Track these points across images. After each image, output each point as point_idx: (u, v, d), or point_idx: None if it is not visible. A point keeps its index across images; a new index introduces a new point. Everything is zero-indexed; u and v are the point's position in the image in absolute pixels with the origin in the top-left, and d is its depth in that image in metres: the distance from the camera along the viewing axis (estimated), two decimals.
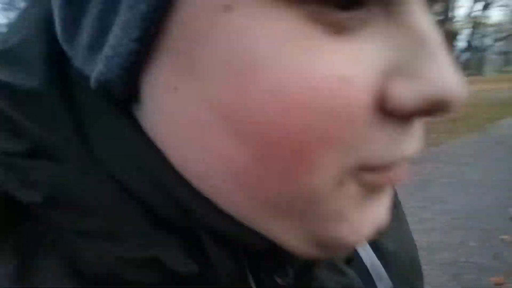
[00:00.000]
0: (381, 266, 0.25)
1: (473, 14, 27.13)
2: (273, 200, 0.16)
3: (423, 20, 0.15)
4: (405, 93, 0.15)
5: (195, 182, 0.17)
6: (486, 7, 27.33)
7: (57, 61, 0.18)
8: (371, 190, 0.17)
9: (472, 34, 27.79)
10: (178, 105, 0.16)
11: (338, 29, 0.14)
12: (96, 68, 0.17)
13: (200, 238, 0.17)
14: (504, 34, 31.51)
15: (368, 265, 0.25)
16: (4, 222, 0.17)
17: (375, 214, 0.18)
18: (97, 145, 0.17)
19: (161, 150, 0.17)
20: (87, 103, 0.18)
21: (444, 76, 0.15)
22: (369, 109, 0.15)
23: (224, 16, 0.14)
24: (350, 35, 0.14)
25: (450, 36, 20.87)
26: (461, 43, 27.56)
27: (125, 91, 0.17)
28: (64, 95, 0.17)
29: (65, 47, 0.18)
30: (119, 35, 0.15)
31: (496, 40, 33.38)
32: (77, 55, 0.18)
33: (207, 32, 0.15)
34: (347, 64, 0.14)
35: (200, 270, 0.17)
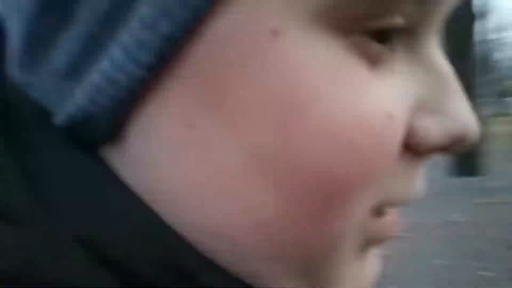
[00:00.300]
0: None
1: None
2: (288, 252, 0.14)
3: (442, 60, 0.15)
4: (432, 129, 0.15)
5: (198, 239, 0.14)
6: None
7: None
8: (371, 242, 0.16)
9: None
10: (189, 145, 0.13)
11: (376, 63, 0.13)
12: (71, 100, 0.14)
13: None
14: None
15: None
16: None
17: (370, 270, 0.17)
18: (59, 199, 0.13)
19: (145, 200, 0.14)
20: (39, 144, 0.14)
21: (466, 113, 0.15)
22: (400, 145, 0.14)
23: (270, 43, 0.12)
24: (383, 70, 0.14)
25: None
26: None
27: (107, 129, 0.14)
28: (4, 132, 0.14)
29: (15, 70, 0.15)
30: (120, 59, 0.12)
31: None
32: (38, 82, 0.14)
33: (247, 60, 0.12)
34: (390, 99, 0.14)
35: None
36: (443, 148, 0.15)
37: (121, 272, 0.13)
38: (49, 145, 0.14)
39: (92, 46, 0.13)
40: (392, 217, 0.16)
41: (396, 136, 0.14)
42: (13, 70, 0.15)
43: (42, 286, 0.12)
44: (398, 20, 0.13)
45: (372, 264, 0.17)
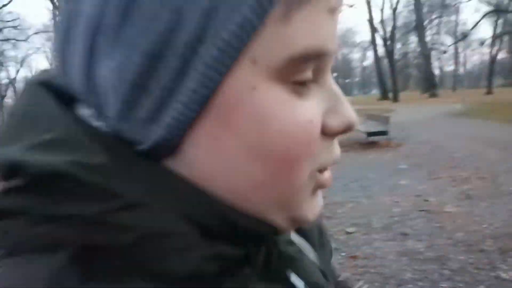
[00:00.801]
0: (302, 239, 0.38)
1: None
2: (275, 199, 0.26)
3: (335, 85, 0.27)
4: (335, 123, 0.26)
5: (229, 197, 0.25)
6: None
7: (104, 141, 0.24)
8: (318, 187, 0.28)
9: None
10: (219, 148, 0.24)
11: (301, 95, 0.24)
12: (154, 134, 0.23)
13: (235, 235, 0.25)
14: None
15: (296, 241, 0.37)
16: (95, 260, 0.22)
17: (319, 203, 0.29)
18: (159, 193, 0.23)
19: (198, 183, 0.24)
20: (138, 164, 0.24)
21: (351, 113, 0.27)
22: (319, 134, 0.25)
23: (251, 93, 0.23)
24: (305, 97, 0.25)
25: None
26: None
27: (174, 147, 0.24)
28: (126, 165, 0.23)
29: (110, 121, 0.24)
30: (181, 110, 0.22)
31: None
32: (131, 128, 0.24)
33: (240, 103, 0.23)
34: (310, 112, 0.25)
35: (240, 254, 0.26)
36: (342, 132, 0.27)
37: (203, 228, 0.24)
38: (142, 162, 0.24)
39: (160, 105, 0.22)
40: (328, 172, 0.28)
41: (316, 131, 0.25)
42: (107, 121, 0.24)
43: (159, 237, 0.22)
44: (308, 74, 0.24)
45: (319, 200, 0.29)
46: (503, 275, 2.42)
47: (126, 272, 0.22)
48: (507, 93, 24.60)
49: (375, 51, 34.06)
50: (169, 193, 0.23)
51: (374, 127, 8.38)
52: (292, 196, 0.26)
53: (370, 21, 32.10)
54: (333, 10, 0.24)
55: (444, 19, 46.23)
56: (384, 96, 32.21)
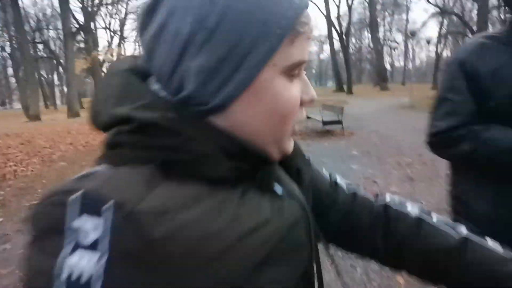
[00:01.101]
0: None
1: (112, 46, 31.83)
2: (275, 137, 0.44)
3: (304, 75, 0.45)
4: (306, 97, 0.44)
5: (248, 137, 0.42)
6: (121, 41, 33.06)
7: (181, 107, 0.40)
8: (292, 134, 0.46)
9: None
10: (252, 110, 0.41)
11: (292, 82, 0.42)
12: (215, 101, 0.40)
13: (247, 159, 0.42)
14: None
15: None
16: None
17: (292, 143, 0.48)
18: (205, 134, 0.40)
19: (228, 128, 0.41)
20: (193, 117, 0.40)
21: (313, 92, 0.45)
22: (299, 104, 0.44)
23: (272, 81, 0.40)
24: (294, 83, 0.42)
25: (96, 65, 25.21)
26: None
27: (223, 109, 0.41)
28: (187, 118, 0.40)
29: (190, 94, 0.40)
30: (233, 90, 0.39)
31: None
32: (201, 96, 0.40)
33: (266, 86, 0.40)
34: (296, 91, 0.43)
35: (249, 169, 0.43)
36: (308, 103, 0.45)
37: (229, 153, 0.40)
38: (198, 119, 0.41)
39: (222, 86, 0.40)
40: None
41: (298, 101, 0.44)
42: (169, 92, 0.42)
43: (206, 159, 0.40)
44: (296, 72, 0.43)
45: (292, 142, 0.48)
46: None
47: (187, 176, 0.39)
48: None
49: (331, 45, 35.06)
50: (210, 135, 0.40)
51: (330, 117, 8.81)
52: (282, 137, 0.44)
53: (327, 16, 32.95)
54: (310, 37, 0.43)
55: (396, 17, 48.47)
56: (339, 88, 33.35)
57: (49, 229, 0.35)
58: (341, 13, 36.95)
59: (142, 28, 0.42)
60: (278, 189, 0.48)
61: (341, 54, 35.43)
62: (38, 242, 0.35)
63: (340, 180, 0.66)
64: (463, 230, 0.59)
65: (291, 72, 0.41)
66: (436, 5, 28.96)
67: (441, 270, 0.57)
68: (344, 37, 33.60)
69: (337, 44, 35.76)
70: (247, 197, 0.43)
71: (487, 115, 1.01)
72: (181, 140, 0.39)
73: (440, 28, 37.85)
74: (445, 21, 36.79)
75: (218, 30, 0.38)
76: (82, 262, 0.32)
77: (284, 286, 0.44)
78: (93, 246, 0.33)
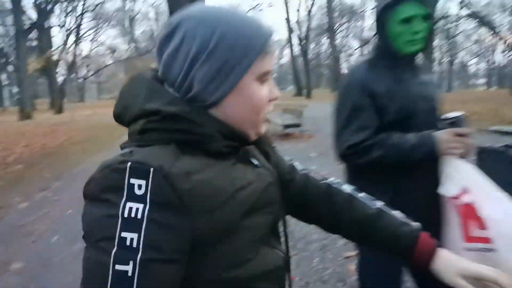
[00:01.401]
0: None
1: (68, 47, 31.91)
2: (252, 124, 0.66)
3: (272, 80, 0.67)
4: (271, 95, 0.67)
5: (235, 124, 0.63)
6: (77, 41, 33.48)
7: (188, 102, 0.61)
8: (264, 121, 0.69)
9: (72, 65, 33.00)
10: (238, 105, 0.62)
11: (263, 85, 0.65)
12: (212, 98, 0.61)
13: (235, 139, 0.64)
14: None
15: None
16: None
17: (264, 127, 0.70)
18: (209, 121, 0.61)
19: (223, 117, 0.62)
20: (200, 109, 0.61)
21: (277, 92, 0.67)
22: (268, 100, 0.66)
23: (250, 84, 0.62)
24: (264, 85, 0.65)
25: (51, 65, 25.47)
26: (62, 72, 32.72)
27: (217, 104, 0.62)
28: (196, 110, 0.61)
29: (196, 93, 0.61)
30: (224, 90, 0.61)
31: (95, 71, 40.52)
32: (204, 95, 0.60)
33: (246, 87, 0.62)
34: (265, 91, 0.65)
35: (237, 146, 0.66)
36: (273, 100, 0.67)
37: (224, 135, 0.62)
38: (204, 110, 0.63)
39: (218, 88, 0.61)
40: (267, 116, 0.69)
41: (267, 98, 0.66)
42: (180, 93, 0.62)
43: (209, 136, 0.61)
44: (266, 77, 0.65)
45: (264, 126, 0.69)
46: None
47: (197, 151, 0.59)
48: None
49: (291, 49, 35.87)
50: (212, 122, 0.61)
51: (290, 120, 9.15)
52: (257, 123, 0.66)
53: (287, 20, 33.73)
54: (274, 54, 0.64)
55: (352, 24, 50.42)
56: (298, 92, 34.05)
57: (111, 187, 0.53)
58: (300, 19, 37.94)
59: (160, 49, 0.63)
60: (255, 161, 0.70)
61: (300, 59, 36.30)
62: (100, 200, 0.53)
63: (296, 164, 0.89)
64: (377, 203, 0.83)
65: (262, 78, 0.63)
66: None
67: (365, 233, 0.82)
68: (303, 42, 34.52)
69: (297, 49, 36.63)
70: (236, 166, 0.64)
71: (386, 126, 1.28)
72: (194, 125, 0.59)
73: None
74: None
75: (216, 51, 0.59)
76: (137, 208, 0.52)
77: (261, 229, 0.66)
78: (144, 200, 0.52)
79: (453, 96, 31.77)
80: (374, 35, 1.32)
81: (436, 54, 37.18)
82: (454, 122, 1.21)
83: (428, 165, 1.25)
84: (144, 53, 36.45)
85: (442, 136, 1.20)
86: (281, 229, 0.77)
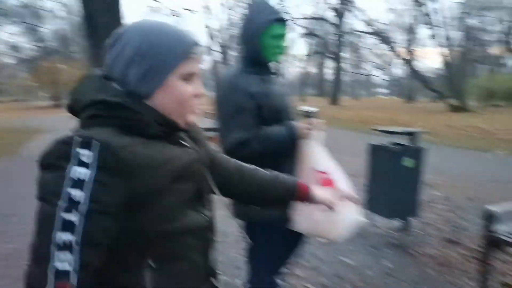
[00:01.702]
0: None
1: None
2: (180, 114, 0.82)
3: (198, 80, 0.84)
4: (197, 91, 0.83)
5: (166, 113, 0.79)
6: None
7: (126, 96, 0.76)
8: (192, 112, 0.85)
9: None
10: (166, 99, 0.79)
11: (189, 83, 0.81)
12: (143, 91, 0.77)
13: (168, 126, 0.81)
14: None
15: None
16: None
17: (193, 117, 0.86)
18: (144, 109, 0.77)
19: (155, 107, 0.78)
20: (136, 100, 0.77)
21: (202, 89, 0.84)
22: (192, 95, 0.82)
23: (175, 82, 0.79)
24: (189, 84, 0.81)
25: None
26: None
27: (149, 97, 0.78)
28: (133, 100, 0.76)
29: (130, 89, 0.77)
30: (152, 87, 0.78)
31: None
32: (137, 89, 0.77)
33: (172, 85, 0.79)
34: (190, 89, 0.81)
35: (169, 131, 0.83)
36: (198, 96, 0.84)
37: (159, 123, 0.79)
38: (139, 102, 0.78)
39: (147, 84, 0.79)
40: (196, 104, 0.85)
41: (191, 95, 0.82)
42: (123, 88, 0.78)
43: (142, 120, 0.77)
44: (191, 77, 0.83)
45: (192, 116, 0.85)
46: None
47: (136, 134, 0.75)
48: (314, 101, 30.22)
49: (212, 56, 36.21)
50: (147, 111, 0.77)
51: (210, 124, 9.34)
52: (184, 114, 0.82)
53: (208, 27, 34.00)
54: (198, 59, 0.82)
55: None
56: None
57: (61, 157, 0.67)
58: (221, 26, 38.48)
59: (108, 53, 0.79)
60: (183, 143, 0.86)
61: (222, 66, 36.79)
62: (53, 166, 0.67)
63: (221, 152, 1.12)
64: (267, 171, 1.12)
65: (187, 78, 0.79)
66: (305, 28, 32.68)
67: (270, 191, 1.08)
68: (224, 49, 35.07)
69: (218, 55, 37.05)
70: (167, 145, 0.81)
71: (262, 122, 1.55)
72: (133, 113, 0.75)
73: (308, 48, 42.58)
74: (313, 42, 41.55)
75: (146, 56, 0.75)
76: (82, 171, 0.66)
77: (186, 194, 0.83)
78: (88, 166, 0.66)
79: (359, 103, 35.19)
80: (241, 46, 1.63)
81: (344, 65, 40.48)
82: (309, 115, 1.59)
83: (291, 153, 1.59)
84: (52, 53, 33.65)
85: (301, 125, 1.56)
86: (209, 200, 0.94)
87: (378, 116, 16.57)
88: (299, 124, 1.56)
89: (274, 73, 1.66)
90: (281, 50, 1.60)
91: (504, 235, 2.44)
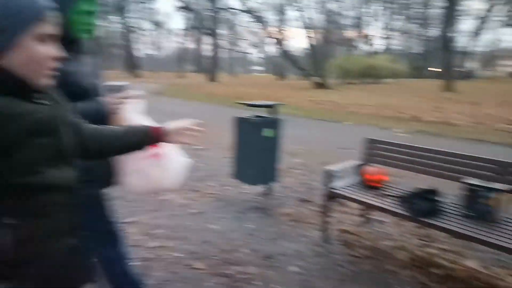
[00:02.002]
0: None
1: None
2: (34, 75, 0.85)
3: (57, 42, 0.90)
4: (53, 53, 0.88)
5: (22, 73, 0.83)
6: None
7: None
8: (49, 75, 0.90)
9: None
10: (19, 58, 0.82)
11: (44, 44, 0.85)
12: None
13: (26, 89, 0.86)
14: None
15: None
16: None
17: (49, 79, 0.91)
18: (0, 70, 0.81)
19: (9, 66, 0.81)
20: None
21: (59, 51, 0.90)
22: (48, 56, 0.87)
23: (30, 42, 0.83)
24: (44, 44, 0.86)
25: None
26: None
27: (1, 55, 0.81)
28: None
29: None
30: (4, 44, 0.80)
31: None
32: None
33: (27, 45, 0.82)
34: (47, 50, 0.86)
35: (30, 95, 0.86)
36: (58, 58, 0.89)
37: (16, 88, 0.84)
38: None
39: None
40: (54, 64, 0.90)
41: (47, 56, 0.86)
42: None
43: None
44: (46, 37, 0.87)
45: (49, 78, 0.90)
46: None
47: None
48: (194, 77, 30.07)
49: None
50: (2, 70, 0.81)
51: None
52: (39, 75, 0.86)
53: None
54: (52, 23, 0.86)
55: (146, 5, 49.52)
56: None
57: None
58: None
59: None
60: (38, 101, 0.88)
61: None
62: None
63: (85, 122, 1.13)
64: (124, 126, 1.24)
65: (42, 39, 0.83)
66: (181, 1, 31.61)
67: (126, 141, 1.17)
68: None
69: None
70: (22, 102, 0.84)
71: (69, 100, 1.38)
72: None
73: (186, 22, 41.49)
74: (190, 16, 40.63)
75: None
76: None
77: (46, 150, 0.87)
78: None
79: (236, 80, 36.32)
80: None
81: (221, 42, 40.91)
82: (118, 89, 1.66)
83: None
84: None
85: (109, 100, 1.60)
86: (72, 160, 0.98)
87: (253, 92, 17.41)
88: (107, 100, 1.58)
89: (83, 50, 1.64)
90: (91, 27, 1.59)
91: (338, 190, 2.94)
